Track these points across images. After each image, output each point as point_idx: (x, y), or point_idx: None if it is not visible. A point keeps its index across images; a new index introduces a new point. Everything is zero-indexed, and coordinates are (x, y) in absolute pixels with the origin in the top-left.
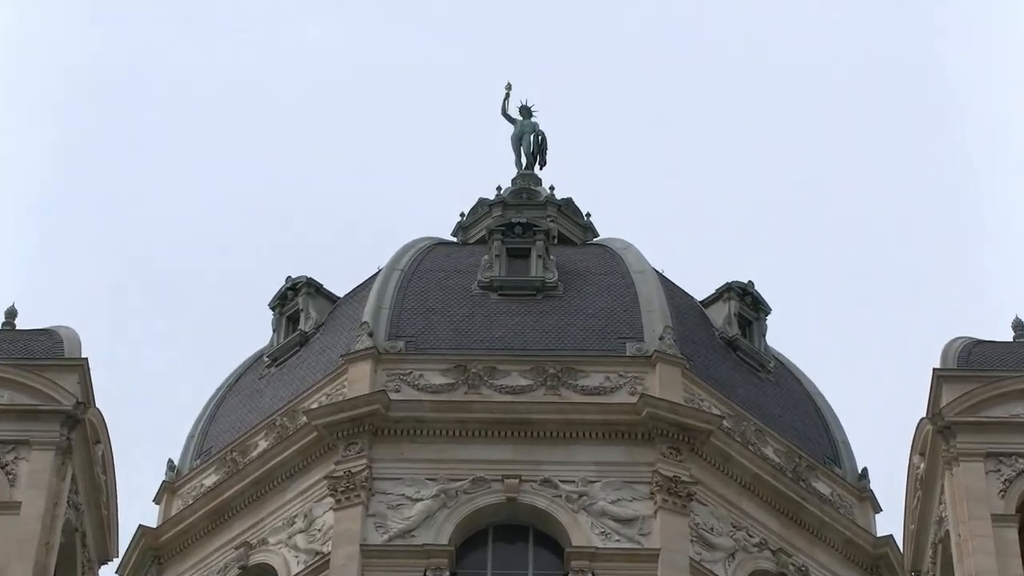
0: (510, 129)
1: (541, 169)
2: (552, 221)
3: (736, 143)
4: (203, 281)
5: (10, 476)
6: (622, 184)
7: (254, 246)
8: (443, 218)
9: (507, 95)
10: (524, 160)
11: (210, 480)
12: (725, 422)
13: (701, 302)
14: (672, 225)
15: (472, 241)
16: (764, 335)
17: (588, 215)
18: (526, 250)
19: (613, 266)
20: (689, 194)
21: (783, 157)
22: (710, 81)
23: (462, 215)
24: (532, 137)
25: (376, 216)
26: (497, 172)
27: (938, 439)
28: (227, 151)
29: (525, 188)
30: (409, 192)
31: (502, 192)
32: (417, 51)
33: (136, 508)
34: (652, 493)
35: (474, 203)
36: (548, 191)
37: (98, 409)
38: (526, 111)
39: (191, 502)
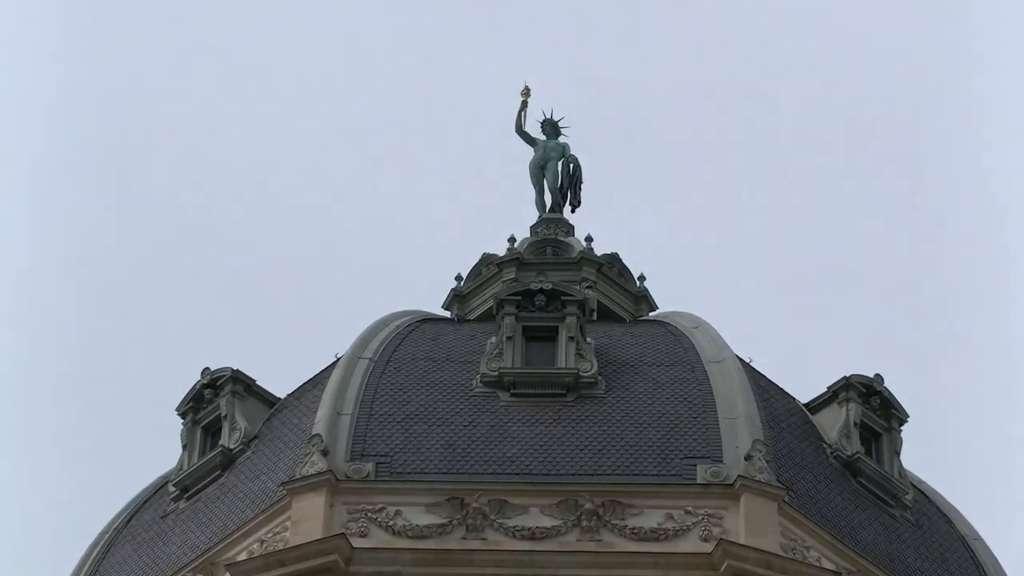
0: (528, 153)
1: (574, 212)
2: (590, 287)
3: (848, 170)
4: (79, 373)
5: None
6: (689, 235)
7: (153, 321)
8: (431, 282)
9: (524, 104)
10: (549, 198)
11: None
12: None
13: (806, 405)
14: (762, 294)
15: (473, 317)
16: (898, 453)
17: (642, 279)
18: (552, 329)
19: (678, 353)
20: (786, 249)
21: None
22: (810, 88)
23: (459, 278)
24: (561, 165)
25: (334, 279)
26: (510, 215)
27: None
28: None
29: (550, 239)
30: (382, 244)
31: (517, 245)
32: (397, 37)
33: None
34: None
35: (476, 260)
36: (584, 244)
37: None
38: (552, 127)
39: None
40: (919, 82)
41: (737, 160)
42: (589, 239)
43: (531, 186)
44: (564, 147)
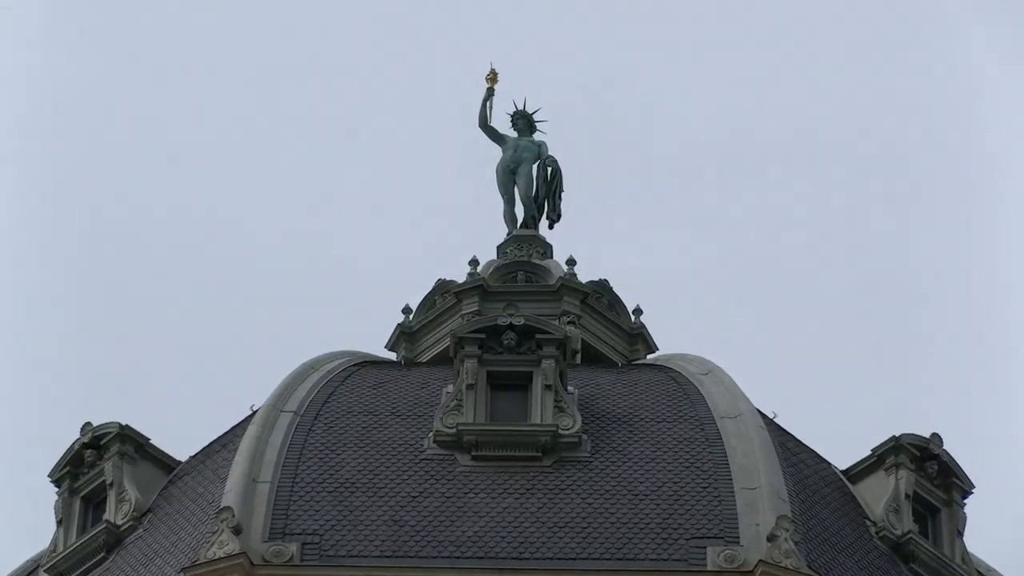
0: (495, 153)
1: (552, 228)
2: (572, 322)
3: (877, 170)
4: None
5: None
6: (697, 257)
7: (22, 364)
8: (372, 316)
9: (489, 92)
10: (521, 211)
11: None
12: None
13: (845, 473)
14: (789, 332)
15: (425, 359)
16: (961, 533)
17: (638, 312)
18: (524, 376)
19: (683, 406)
20: (819, 275)
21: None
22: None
23: (407, 311)
24: (536, 169)
25: (248, 311)
26: (471, 231)
27: None
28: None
29: (522, 262)
30: (308, 268)
31: (480, 269)
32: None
33: None
34: None
35: (428, 289)
36: (564, 268)
37: None
38: (525, 121)
39: None
40: (922, 90)
41: (752, 161)
42: (571, 262)
43: (498, 195)
44: (540, 146)
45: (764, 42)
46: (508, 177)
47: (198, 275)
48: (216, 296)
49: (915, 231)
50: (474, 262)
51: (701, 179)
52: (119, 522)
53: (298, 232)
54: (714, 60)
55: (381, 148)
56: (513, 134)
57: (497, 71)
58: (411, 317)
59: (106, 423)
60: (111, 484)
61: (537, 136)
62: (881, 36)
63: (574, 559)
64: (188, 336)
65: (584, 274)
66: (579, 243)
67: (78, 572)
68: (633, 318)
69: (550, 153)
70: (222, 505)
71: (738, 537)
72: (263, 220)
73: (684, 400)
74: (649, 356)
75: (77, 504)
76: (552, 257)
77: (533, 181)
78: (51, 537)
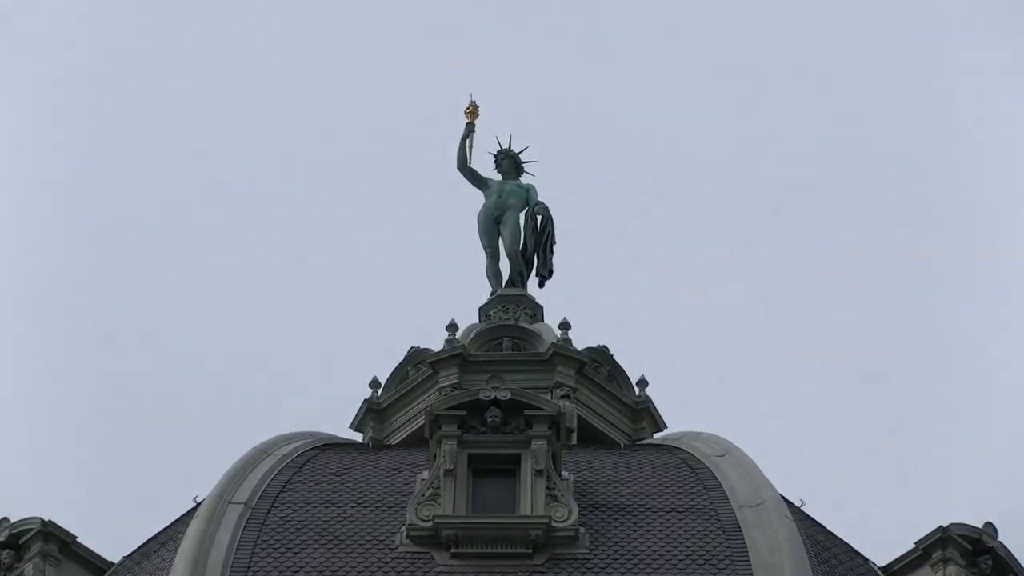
0: (476, 199)
1: (543, 286)
2: (567, 396)
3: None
4: None
5: None
6: (708, 319)
7: None
8: (334, 390)
9: (469, 128)
10: (507, 267)
11: None
12: None
13: (885, 569)
14: (817, 406)
15: (396, 441)
16: None
17: (643, 384)
18: (511, 459)
19: (697, 493)
20: (855, 339)
21: None
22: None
23: (375, 384)
24: (524, 218)
25: (191, 385)
26: (449, 291)
27: None
28: None
29: (509, 326)
30: (261, 334)
31: (460, 335)
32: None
33: None
34: None
35: (401, 359)
36: (558, 333)
37: None
38: (511, 162)
39: None
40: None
41: (769, 202)
42: (565, 326)
43: (480, 248)
44: (529, 191)
45: (770, 68)
46: (492, 227)
47: (133, 341)
48: (154, 368)
49: (961, 287)
50: (452, 327)
51: (715, 228)
52: None
53: (256, 294)
54: (720, 86)
55: (344, 193)
56: (497, 177)
57: (478, 104)
58: (379, 392)
59: (26, 518)
60: None
61: (525, 179)
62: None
63: None
64: (122, 415)
65: (580, 340)
66: (574, 304)
67: None
68: (637, 391)
69: (539, 199)
70: None
71: None
72: (216, 275)
73: (697, 486)
74: (656, 435)
75: None
76: (543, 320)
77: (520, 232)
78: None
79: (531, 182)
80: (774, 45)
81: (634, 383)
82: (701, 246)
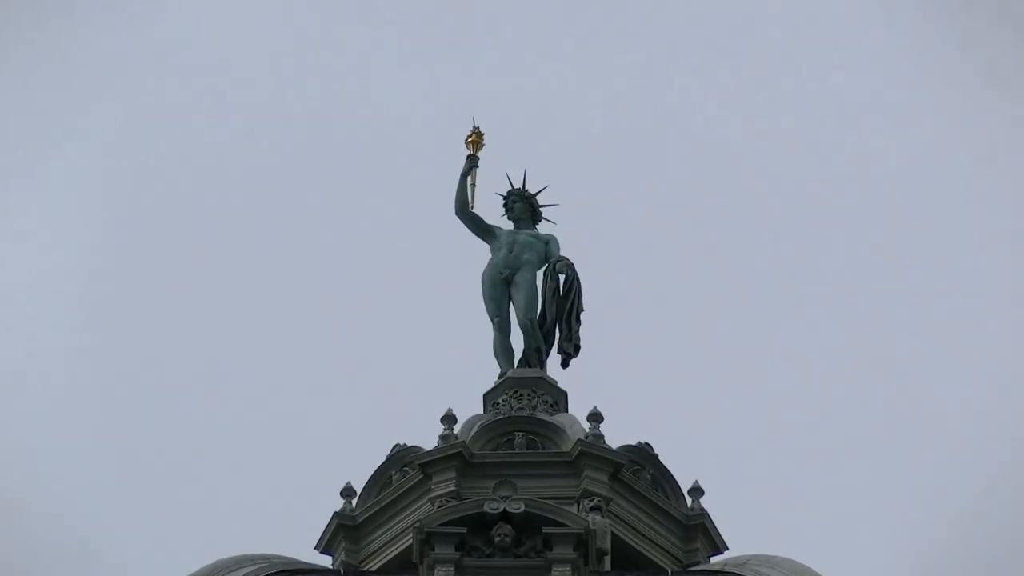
0: (480, 253)
1: (567, 366)
2: (598, 508)
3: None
4: None
5: None
6: (774, 407)
7: None
8: (296, 501)
9: (472, 161)
10: (521, 341)
11: None
12: None
13: None
14: (918, 515)
15: (376, 566)
16: None
17: (697, 491)
18: None
19: None
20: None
21: None
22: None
23: (347, 493)
24: (544, 278)
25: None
26: (445, 371)
27: None
28: None
29: (522, 417)
30: (214, 430)
31: (459, 428)
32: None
33: None
34: None
35: (383, 460)
36: (586, 426)
37: None
38: (523, 205)
39: None
40: None
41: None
42: (596, 417)
43: (485, 317)
44: (548, 243)
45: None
46: (500, 290)
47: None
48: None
49: None
50: (449, 418)
51: (787, 289)
52: None
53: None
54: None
55: (311, 244)
56: (508, 225)
57: (482, 132)
58: (354, 503)
59: None
60: None
61: (543, 228)
62: None
63: None
64: (40, 526)
65: (615, 435)
66: (606, 389)
67: None
68: (689, 501)
69: (563, 254)
70: None
71: None
72: (146, 350)
73: None
74: (714, 558)
75: None
76: (566, 410)
77: (538, 296)
78: None
79: (551, 231)
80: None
81: (685, 491)
82: (763, 315)
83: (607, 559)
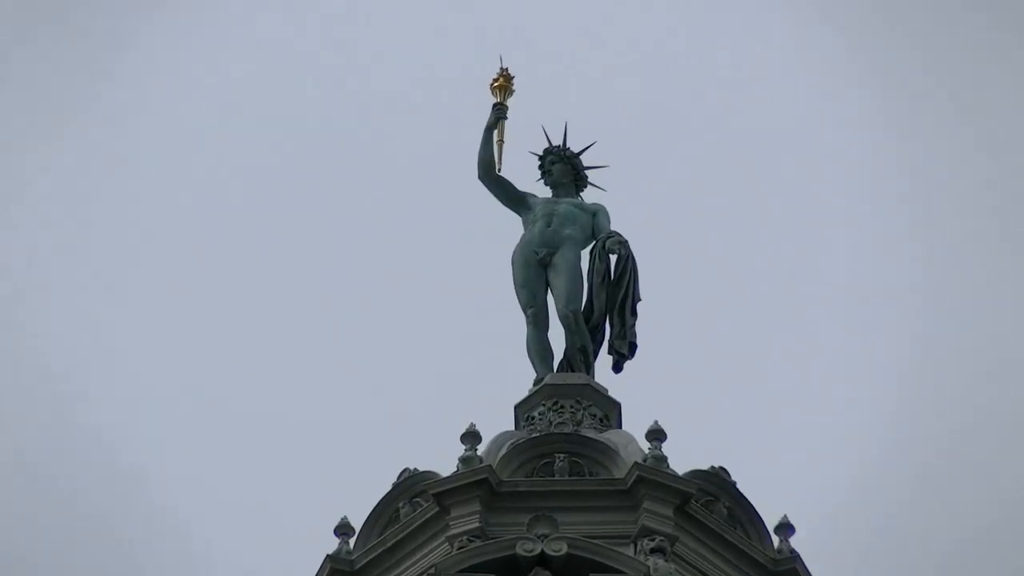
0: (509, 226)
1: (620, 368)
2: (660, 549)
3: None
4: None
5: None
6: (868, 422)
7: None
8: (282, 536)
9: (499, 112)
10: (561, 339)
11: None
12: None
13: None
14: None
15: None
16: None
17: (785, 528)
18: None
19: None
20: None
21: None
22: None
23: (344, 529)
24: (591, 260)
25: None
26: (468, 374)
27: None
28: None
29: (562, 435)
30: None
31: (484, 449)
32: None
33: None
34: None
35: (388, 489)
36: (646, 447)
37: None
38: (564, 167)
39: None
40: None
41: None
42: (658, 435)
43: (517, 308)
44: (596, 216)
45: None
46: (536, 274)
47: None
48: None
49: None
50: (472, 436)
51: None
52: None
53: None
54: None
55: (309, 238)
56: (545, 192)
57: (511, 74)
58: (352, 543)
59: None
60: None
61: (590, 195)
62: None
63: None
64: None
65: (681, 458)
66: (668, 400)
67: None
68: (776, 540)
69: (614, 229)
70: None
71: None
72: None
73: None
74: None
75: None
76: (620, 426)
77: (583, 282)
78: None
79: (598, 200)
80: None
81: (771, 528)
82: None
83: None
